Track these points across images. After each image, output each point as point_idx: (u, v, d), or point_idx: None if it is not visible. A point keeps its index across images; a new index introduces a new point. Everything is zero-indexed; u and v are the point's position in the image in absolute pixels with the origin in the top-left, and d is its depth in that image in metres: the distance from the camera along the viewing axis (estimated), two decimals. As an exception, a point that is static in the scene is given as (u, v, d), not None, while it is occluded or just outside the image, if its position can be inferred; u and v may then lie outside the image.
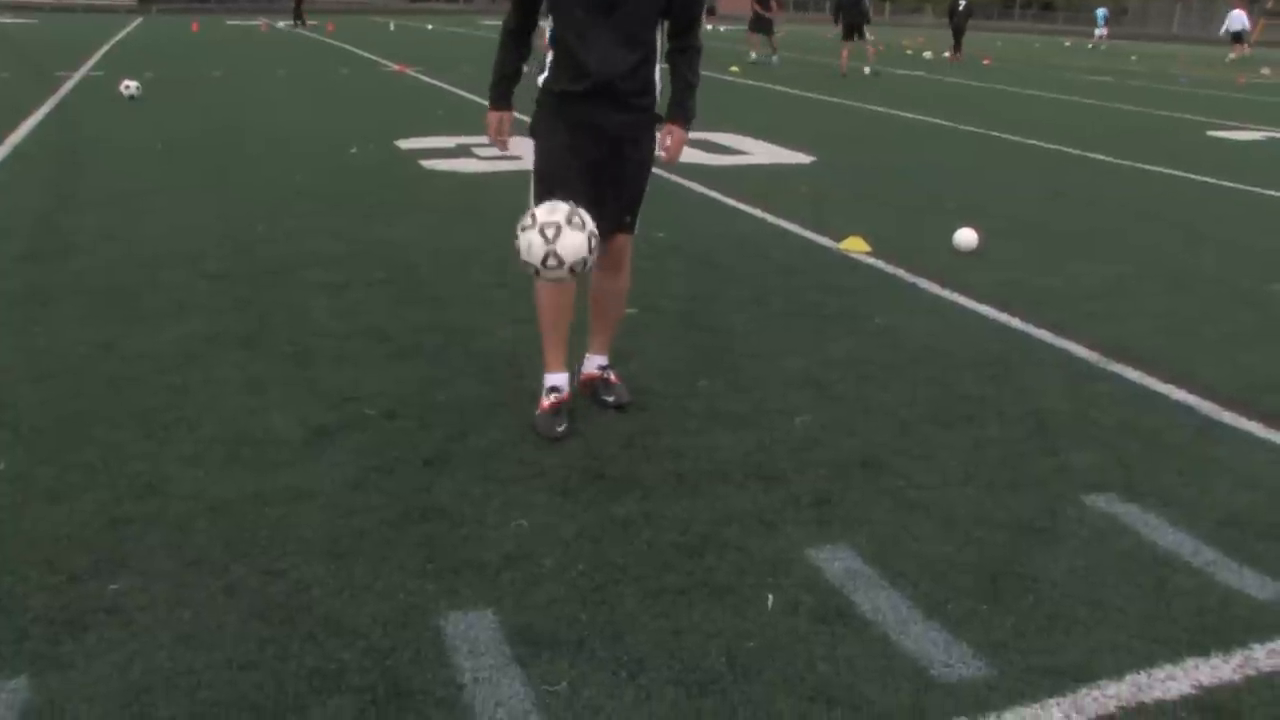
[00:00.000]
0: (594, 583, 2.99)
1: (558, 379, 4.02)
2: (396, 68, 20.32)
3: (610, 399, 4.20)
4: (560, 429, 3.92)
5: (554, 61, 3.89)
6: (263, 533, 3.19)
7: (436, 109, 13.94)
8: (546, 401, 3.99)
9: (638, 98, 3.93)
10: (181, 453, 3.71)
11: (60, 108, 12.97)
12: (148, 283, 5.69)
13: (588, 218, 3.69)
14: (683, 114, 4.05)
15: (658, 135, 4.07)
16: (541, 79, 3.95)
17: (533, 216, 3.67)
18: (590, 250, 3.66)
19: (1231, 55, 34.57)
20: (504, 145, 4.09)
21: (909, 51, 33.54)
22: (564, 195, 3.76)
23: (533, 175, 3.96)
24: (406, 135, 11.15)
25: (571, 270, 3.67)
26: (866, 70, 22.46)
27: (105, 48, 23.76)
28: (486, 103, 4.10)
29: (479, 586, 2.96)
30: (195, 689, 2.49)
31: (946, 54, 29.86)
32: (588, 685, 2.56)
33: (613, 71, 3.82)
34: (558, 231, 3.63)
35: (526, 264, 3.70)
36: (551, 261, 3.64)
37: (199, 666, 2.57)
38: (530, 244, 3.65)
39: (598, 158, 3.92)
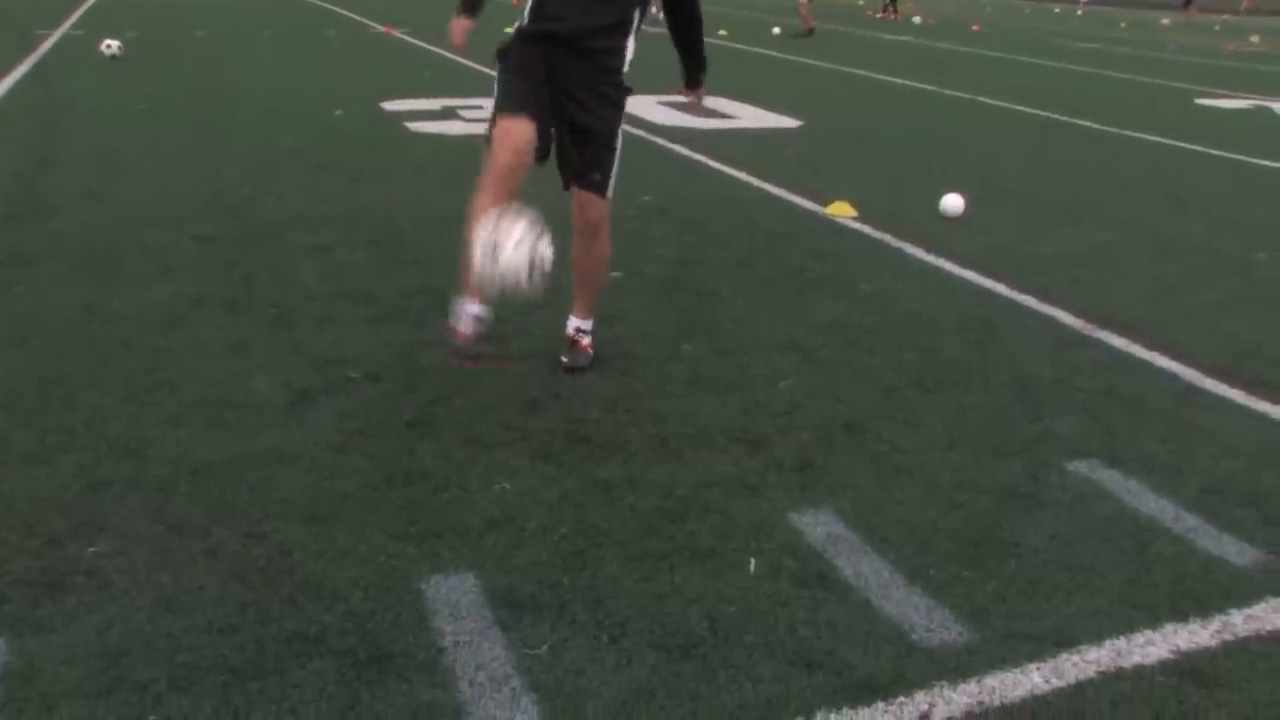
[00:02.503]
0: (576, 546, 2.99)
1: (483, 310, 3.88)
2: (382, 29, 20.13)
3: (564, 360, 4.19)
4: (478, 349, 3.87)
5: (532, 8, 3.87)
6: (244, 496, 3.18)
7: (423, 71, 13.83)
8: (464, 329, 3.85)
9: (605, 56, 3.90)
10: (163, 415, 3.69)
11: (39, 67, 12.81)
12: (131, 244, 5.64)
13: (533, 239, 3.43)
14: (698, 82, 4.29)
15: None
16: (517, 25, 3.92)
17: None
18: (531, 271, 3.39)
19: (1165, 21, 34.72)
20: (463, 49, 4.14)
21: (895, 18, 33.35)
22: (523, 109, 3.71)
23: (495, 92, 3.90)
24: (392, 97, 11.06)
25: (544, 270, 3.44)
26: (776, 30, 22.51)
27: (86, 6, 23.44)
28: (452, 18, 4.10)
29: (461, 550, 2.95)
30: (175, 652, 2.48)
31: (879, 14, 30.42)
32: (569, 649, 2.56)
33: (588, 26, 3.80)
34: (498, 245, 3.39)
35: (542, 256, 3.44)
36: (490, 263, 3.40)
37: (179, 630, 2.56)
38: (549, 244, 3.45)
39: (561, 99, 3.88)
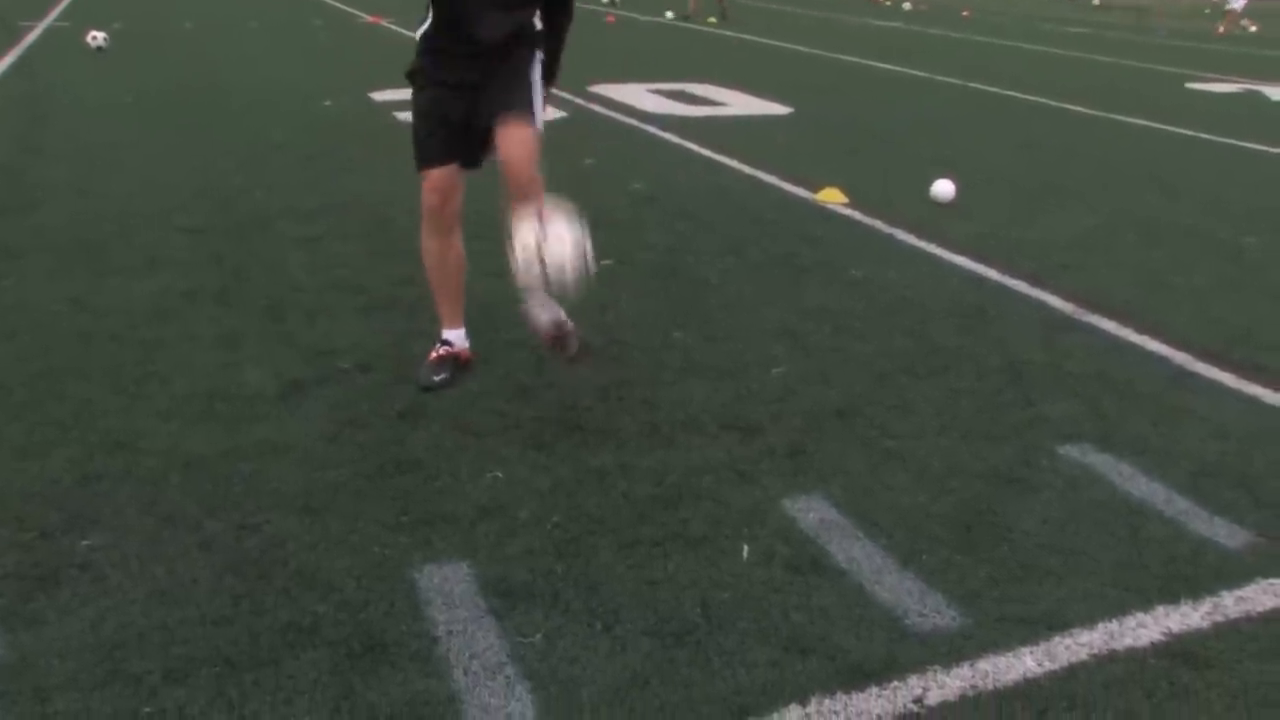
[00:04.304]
0: (569, 534, 2.99)
1: (454, 334, 4.09)
2: (370, 19, 20.06)
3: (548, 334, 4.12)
4: (437, 378, 3.95)
5: (434, 18, 3.77)
6: (236, 487, 3.18)
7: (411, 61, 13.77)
8: (435, 354, 4.04)
9: (513, 50, 3.80)
10: (154, 408, 3.68)
11: (24, 60, 12.74)
12: (119, 237, 5.62)
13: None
14: (551, 79, 3.98)
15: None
16: (422, 29, 3.83)
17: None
18: (578, 257, 3.43)
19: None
20: None
21: (887, 3, 33.34)
22: (435, 160, 3.82)
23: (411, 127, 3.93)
24: (380, 87, 11.00)
25: (551, 273, 3.43)
26: (668, 15, 22.47)
27: (73, -2, 23.36)
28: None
29: (453, 539, 2.95)
30: (169, 644, 2.48)
31: None
32: (562, 637, 2.56)
33: (493, 37, 3.72)
34: (546, 232, 3.43)
35: (515, 259, 3.51)
36: (536, 256, 3.46)
37: (172, 622, 2.56)
38: (525, 242, 3.48)
39: (465, 109, 3.79)
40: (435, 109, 3.85)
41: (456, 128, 3.82)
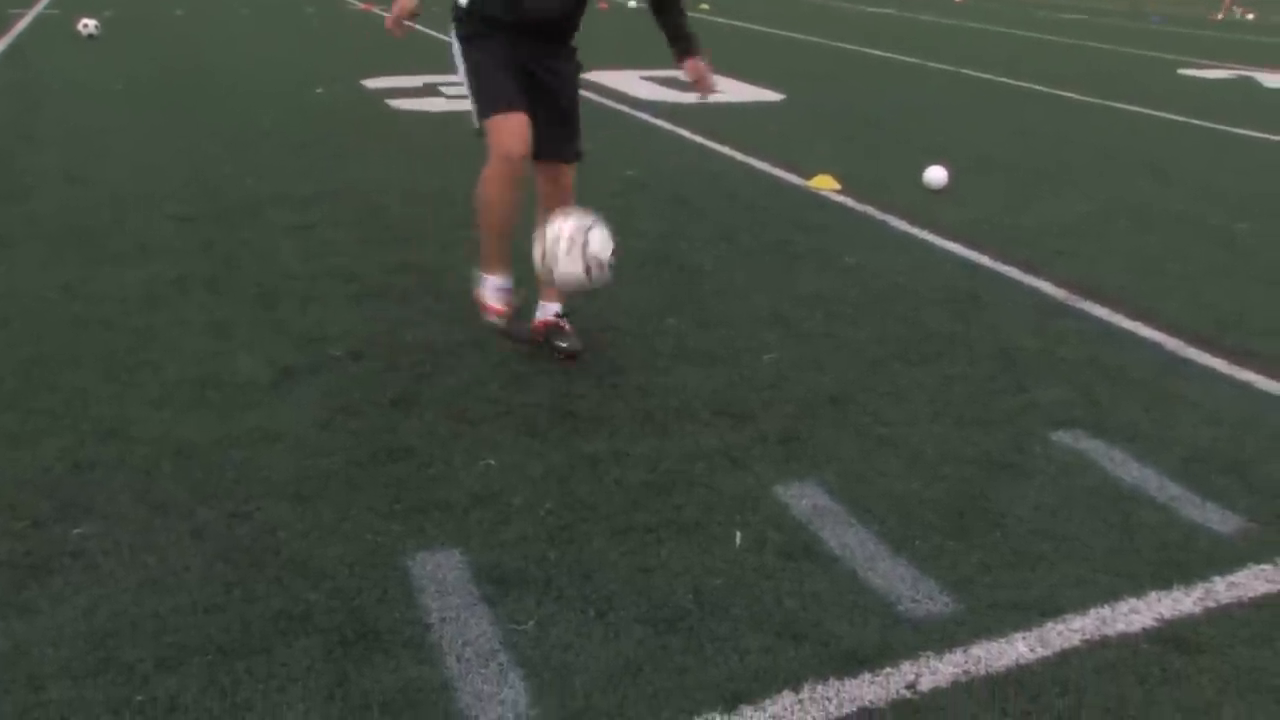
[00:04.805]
0: (562, 521, 2.99)
1: (508, 280, 4.03)
2: (362, 6, 20.00)
3: (564, 345, 4.09)
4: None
5: None
6: (229, 475, 3.17)
7: (403, 47, 13.73)
8: (504, 306, 4.01)
9: (565, 36, 3.92)
10: (146, 396, 3.67)
11: (15, 47, 12.69)
12: (111, 224, 5.61)
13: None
14: (696, 48, 4.13)
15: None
16: (472, 5, 3.81)
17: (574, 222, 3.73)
18: (611, 256, 3.73)
19: None
20: (398, 34, 4.05)
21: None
22: (514, 105, 3.73)
23: (472, 84, 3.85)
24: (373, 74, 10.99)
25: (587, 269, 3.69)
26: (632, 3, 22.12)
27: (63, -15, 23.24)
28: (449, 38, 4.01)
29: (446, 526, 2.95)
30: (161, 632, 2.48)
31: None
32: (556, 624, 2.57)
33: (550, 12, 3.78)
34: (588, 227, 3.71)
35: (546, 255, 3.72)
36: (575, 251, 3.67)
37: (164, 610, 2.56)
38: (560, 232, 3.68)
39: (530, 84, 3.85)
40: (503, 52, 3.79)
41: (519, 76, 3.81)
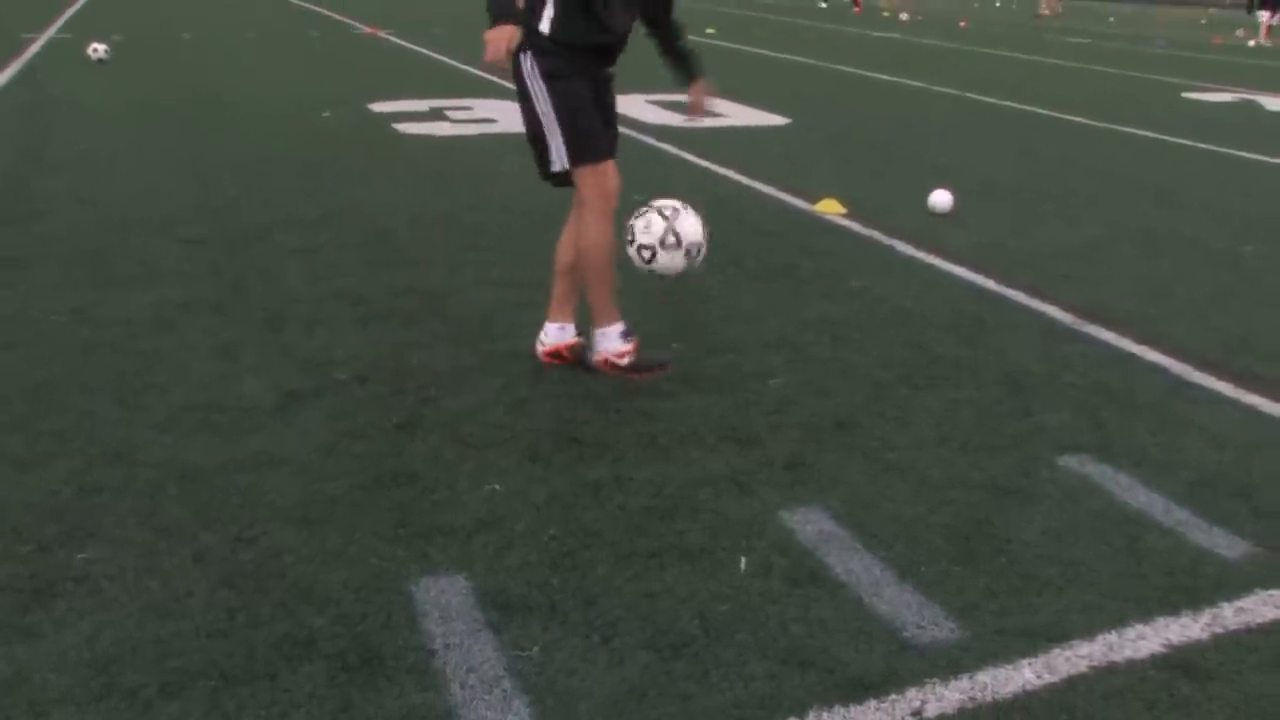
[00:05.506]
0: (566, 547, 2.99)
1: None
2: (368, 30, 20.10)
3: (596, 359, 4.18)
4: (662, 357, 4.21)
5: (563, 13, 3.74)
6: (233, 500, 3.17)
7: (409, 71, 13.80)
8: (633, 344, 4.11)
9: (620, 52, 3.99)
10: (153, 419, 3.68)
11: (27, 71, 12.76)
12: (119, 247, 5.63)
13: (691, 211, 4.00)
14: (700, 70, 4.23)
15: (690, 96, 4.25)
16: (546, 25, 3.76)
17: (646, 205, 4.02)
18: (706, 235, 3.94)
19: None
20: (504, 65, 3.78)
21: (885, 14, 33.43)
22: (608, 153, 3.92)
23: (562, 127, 3.84)
24: (379, 98, 11.04)
25: (688, 253, 3.92)
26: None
27: (72, 9, 23.38)
28: (523, 59, 3.83)
29: (450, 551, 2.94)
30: (164, 658, 2.47)
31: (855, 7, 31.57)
32: (560, 649, 2.56)
33: (623, 31, 3.88)
34: (676, 212, 3.93)
35: (643, 248, 3.94)
36: (670, 240, 3.88)
37: (168, 635, 2.55)
38: (650, 223, 3.90)
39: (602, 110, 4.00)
40: (589, 95, 3.90)
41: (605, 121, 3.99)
